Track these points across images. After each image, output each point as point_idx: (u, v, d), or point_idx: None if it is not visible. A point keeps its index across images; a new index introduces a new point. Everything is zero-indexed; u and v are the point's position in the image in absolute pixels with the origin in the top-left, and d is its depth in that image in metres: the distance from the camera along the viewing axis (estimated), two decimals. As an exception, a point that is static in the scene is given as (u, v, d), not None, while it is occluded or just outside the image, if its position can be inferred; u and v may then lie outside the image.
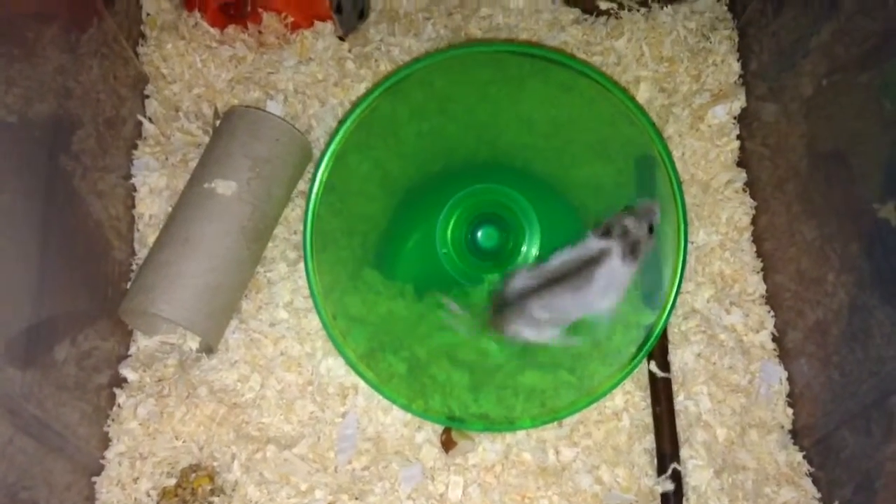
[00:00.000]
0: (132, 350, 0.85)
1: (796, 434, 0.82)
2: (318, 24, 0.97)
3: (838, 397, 0.76)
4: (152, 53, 0.94)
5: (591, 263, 0.75)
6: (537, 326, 0.78)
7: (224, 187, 0.82)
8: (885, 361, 0.69)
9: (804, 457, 0.80)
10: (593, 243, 0.75)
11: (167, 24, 0.96)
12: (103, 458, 0.79)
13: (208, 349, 0.84)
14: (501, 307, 0.78)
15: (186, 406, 0.80)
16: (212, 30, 0.96)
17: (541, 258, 0.85)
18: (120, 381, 0.83)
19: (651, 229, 0.75)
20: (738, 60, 0.94)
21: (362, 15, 0.97)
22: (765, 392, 0.83)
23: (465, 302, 0.83)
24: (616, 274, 0.75)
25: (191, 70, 0.95)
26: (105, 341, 0.82)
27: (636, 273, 0.76)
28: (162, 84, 0.95)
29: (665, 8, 0.97)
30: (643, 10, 0.97)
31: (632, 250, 0.74)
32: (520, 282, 0.78)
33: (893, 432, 0.68)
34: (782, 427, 0.82)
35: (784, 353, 0.85)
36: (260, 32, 0.98)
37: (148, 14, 0.96)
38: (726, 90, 0.93)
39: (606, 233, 0.75)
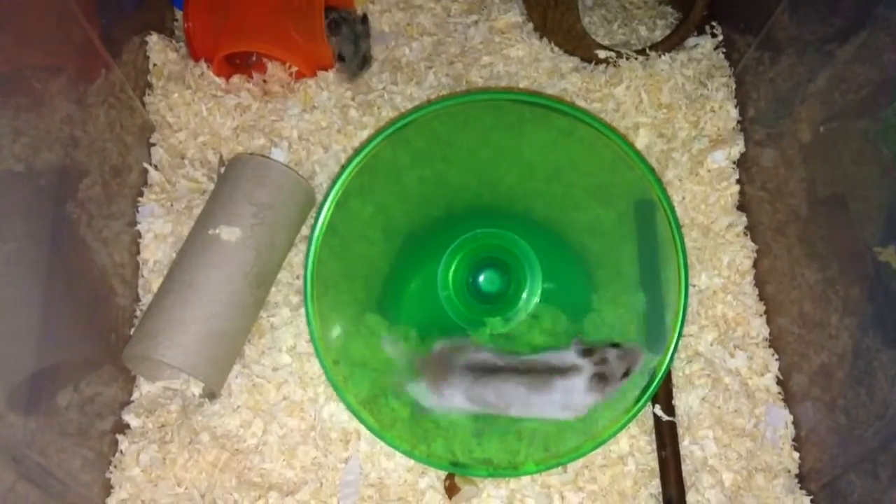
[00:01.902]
0: (135, 396, 0.85)
1: (803, 478, 0.81)
2: (322, 73, 0.99)
3: (844, 441, 0.75)
4: (159, 103, 0.96)
5: (556, 372, 0.75)
6: (475, 402, 0.77)
7: (228, 233, 0.83)
8: (889, 405, 0.68)
9: (811, 501, 0.79)
10: (569, 356, 0.76)
11: (174, 74, 0.98)
12: (104, 505, 0.79)
13: (211, 394, 0.83)
14: (451, 366, 0.77)
15: (189, 452, 0.80)
16: (217, 79, 0.98)
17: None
18: (122, 427, 0.83)
19: (627, 373, 0.75)
20: (735, 107, 0.96)
21: (364, 64, 0.99)
22: (770, 436, 0.83)
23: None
24: (575, 393, 0.75)
25: (196, 118, 0.96)
26: (108, 387, 0.82)
27: (595, 404, 0.76)
28: (168, 132, 0.96)
29: (663, 56, 0.98)
30: (641, 58, 0.98)
31: (600, 380, 0.74)
32: (483, 356, 0.78)
33: (901, 476, 0.67)
34: (789, 471, 0.82)
35: (789, 397, 0.85)
36: (265, 81, 1.00)
37: (155, 64, 0.98)
38: (725, 136, 0.94)
39: (587, 353, 0.75)
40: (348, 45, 0.96)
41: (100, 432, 0.80)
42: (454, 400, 0.77)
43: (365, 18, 1.00)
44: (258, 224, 0.84)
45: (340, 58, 0.97)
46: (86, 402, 0.77)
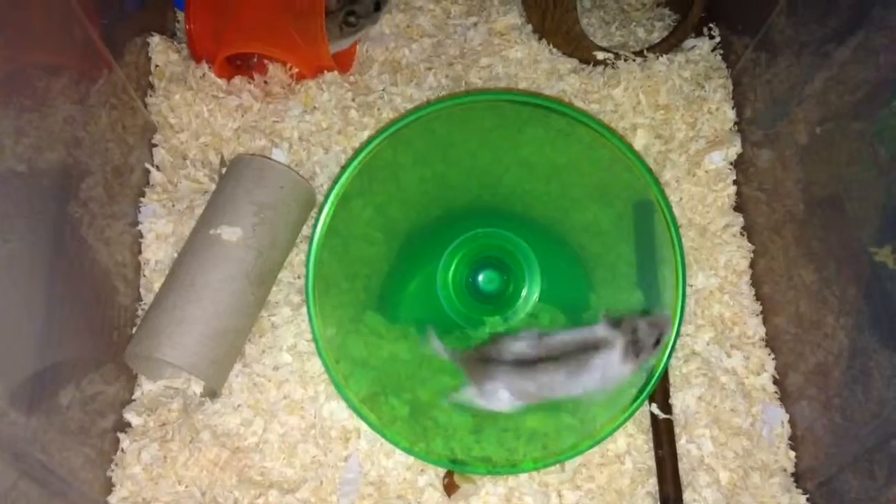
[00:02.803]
0: (136, 394, 0.86)
1: (799, 477, 0.82)
2: (322, 75, 0.99)
3: (841, 440, 0.76)
4: (160, 103, 0.97)
5: (591, 349, 0.75)
6: (518, 395, 0.78)
7: (229, 233, 0.83)
8: (885, 404, 0.69)
9: (807, 500, 0.80)
10: (600, 330, 0.76)
11: (175, 76, 0.98)
12: (106, 503, 0.79)
13: (212, 393, 0.84)
14: (489, 360, 0.78)
15: (190, 451, 0.80)
16: (219, 80, 0.98)
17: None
18: (124, 426, 0.83)
19: (658, 342, 0.75)
20: (732, 108, 0.96)
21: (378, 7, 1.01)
22: (767, 435, 0.83)
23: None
24: (612, 366, 0.75)
25: (198, 119, 0.97)
26: (110, 386, 0.82)
27: (632, 373, 0.76)
28: (169, 133, 0.97)
29: (660, 58, 0.99)
30: (639, 59, 0.99)
31: (635, 350, 0.74)
32: (519, 346, 0.78)
33: (896, 475, 0.68)
34: (785, 470, 0.82)
35: (785, 396, 0.85)
36: (266, 83, 1.01)
37: (156, 65, 0.99)
38: (722, 137, 0.95)
39: (616, 324, 0.75)
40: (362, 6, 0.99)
41: (101, 430, 0.80)
42: (499, 395, 0.77)
43: None
44: (259, 224, 0.84)
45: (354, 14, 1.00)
46: (87, 401, 0.78)
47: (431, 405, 0.79)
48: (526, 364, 0.77)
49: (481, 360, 0.79)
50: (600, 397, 0.77)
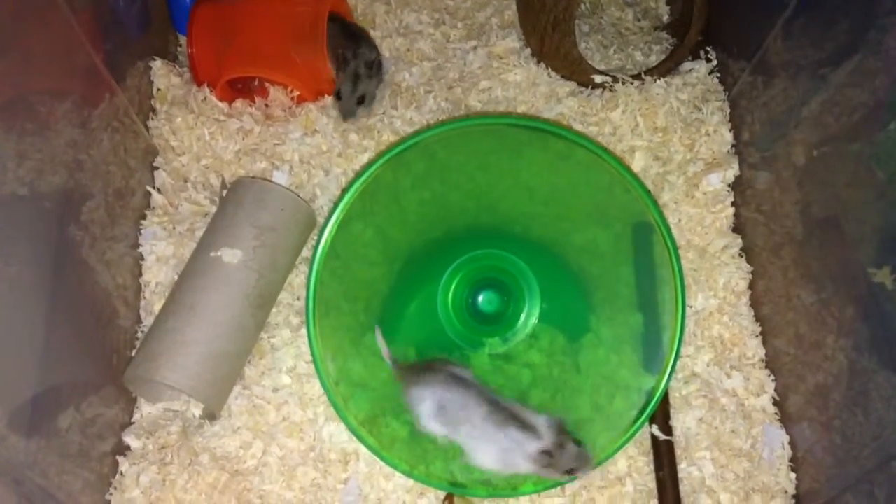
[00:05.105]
0: (136, 417, 0.86)
1: (800, 499, 0.81)
2: (323, 98, 1.00)
3: (841, 462, 0.75)
4: (162, 126, 0.97)
5: (516, 422, 0.74)
6: (438, 410, 0.76)
7: (230, 256, 0.83)
8: (885, 425, 0.69)
9: (809, 523, 0.79)
10: (539, 421, 0.74)
11: (177, 99, 0.99)
12: (105, 527, 0.79)
13: (211, 416, 0.84)
14: (429, 372, 0.77)
15: (189, 474, 0.80)
16: (220, 104, 0.99)
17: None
18: (123, 449, 0.83)
19: (570, 472, 0.73)
20: (730, 130, 0.97)
21: (362, 101, 0.98)
22: (767, 456, 0.83)
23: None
24: (518, 452, 0.73)
25: (199, 142, 0.97)
26: (109, 408, 0.82)
27: (522, 474, 0.75)
28: (171, 156, 0.97)
29: (658, 81, 1.00)
30: (637, 83, 1.00)
31: (546, 458, 0.73)
32: (461, 371, 0.78)
33: (896, 496, 0.68)
34: (786, 492, 0.82)
35: (785, 417, 0.85)
36: (267, 106, 1.01)
37: (158, 89, 1.00)
38: (720, 159, 0.95)
39: (556, 429, 0.74)
40: (347, 84, 0.97)
41: (100, 454, 0.80)
42: (424, 403, 0.76)
43: (374, 63, 0.99)
44: (260, 246, 0.84)
45: (337, 95, 0.97)
46: (87, 424, 0.77)
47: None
48: (458, 380, 0.76)
49: (420, 368, 0.78)
50: (486, 466, 0.76)
